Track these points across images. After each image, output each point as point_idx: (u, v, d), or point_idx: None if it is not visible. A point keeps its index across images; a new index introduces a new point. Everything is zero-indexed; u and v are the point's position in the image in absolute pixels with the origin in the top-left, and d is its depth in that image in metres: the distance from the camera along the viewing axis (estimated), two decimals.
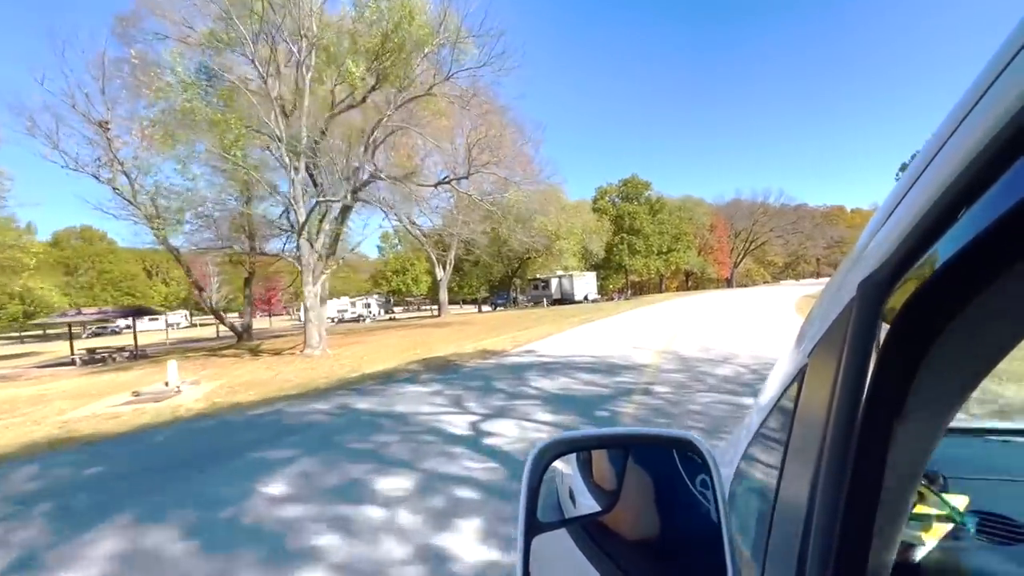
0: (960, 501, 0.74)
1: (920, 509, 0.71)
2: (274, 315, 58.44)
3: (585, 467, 0.79)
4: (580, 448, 0.70)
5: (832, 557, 0.45)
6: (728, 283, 71.97)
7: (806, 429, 0.54)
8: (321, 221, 17.06)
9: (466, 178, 21.77)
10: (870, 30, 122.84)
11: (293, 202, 14.95)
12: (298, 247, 15.45)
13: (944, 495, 0.73)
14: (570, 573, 0.69)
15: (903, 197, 0.41)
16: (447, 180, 22.23)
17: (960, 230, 0.33)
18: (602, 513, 0.71)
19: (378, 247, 60.60)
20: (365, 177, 17.55)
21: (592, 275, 43.44)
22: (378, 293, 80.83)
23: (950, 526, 0.70)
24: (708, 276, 64.94)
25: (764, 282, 70.81)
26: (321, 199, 14.94)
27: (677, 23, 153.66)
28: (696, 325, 15.83)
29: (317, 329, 15.44)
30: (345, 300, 60.76)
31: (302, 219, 15.04)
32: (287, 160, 14.54)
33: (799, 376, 0.59)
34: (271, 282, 53.20)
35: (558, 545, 0.68)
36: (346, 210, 20.63)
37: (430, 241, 32.93)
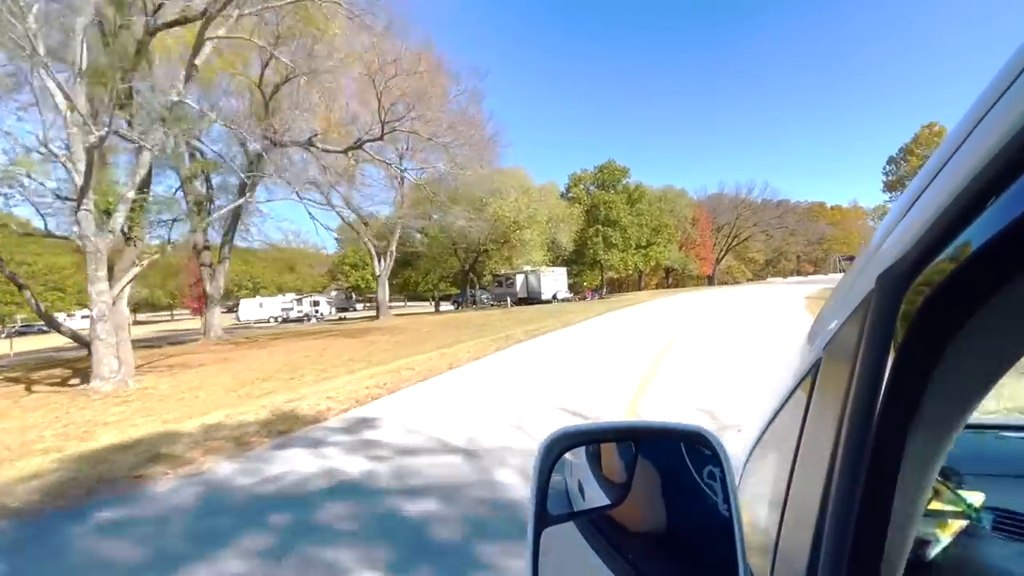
0: (976, 497, 0.73)
1: (935, 505, 0.70)
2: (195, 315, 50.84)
3: (594, 460, 0.77)
4: (589, 441, 0.71)
5: (846, 552, 0.45)
6: (710, 281, 68.10)
7: (820, 423, 0.54)
8: (143, 188, 11.57)
9: (381, 139, 16.59)
10: (856, 28, 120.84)
11: (52, 149, 9.41)
12: (77, 222, 9.93)
13: (960, 491, 0.73)
14: (579, 566, 0.68)
15: (927, 187, 0.41)
16: (359, 144, 17.01)
17: (986, 222, 0.33)
18: (611, 506, 0.70)
19: (336, 239, 54.29)
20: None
21: (562, 271, 38.50)
22: (337, 289, 74.75)
23: (965, 522, 0.70)
24: (689, 273, 60.80)
25: (747, 280, 66.88)
26: (97, 141, 9.30)
27: (660, 17, 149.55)
28: (690, 344, 10.75)
29: (114, 351, 9.92)
30: (291, 297, 54.69)
31: (78, 179, 9.53)
32: (43, 75, 9.01)
33: (813, 370, 0.59)
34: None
35: (567, 538, 0.66)
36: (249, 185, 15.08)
37: (370, 230, 27.47)
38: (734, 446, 0.82)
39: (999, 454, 0.99)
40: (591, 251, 42.07)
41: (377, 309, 29.38)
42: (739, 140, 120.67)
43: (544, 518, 0.61)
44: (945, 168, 0.38)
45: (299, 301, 51.92)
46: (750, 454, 0.88)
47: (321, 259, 59.93)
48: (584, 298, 39.13)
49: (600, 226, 42.77)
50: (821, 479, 0.49)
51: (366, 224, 26.80)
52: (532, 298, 37.48)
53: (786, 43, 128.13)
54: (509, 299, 37.08)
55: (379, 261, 28.16)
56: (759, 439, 0.83)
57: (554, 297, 36.87)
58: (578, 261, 43.96)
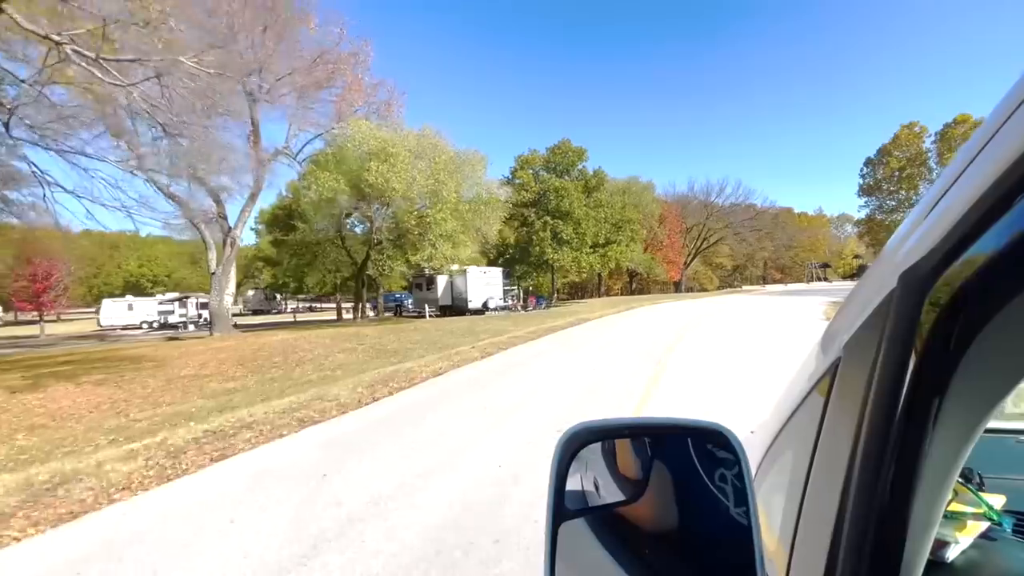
0: (997, 500, 0.73)
1: (955, 507, 0.70)
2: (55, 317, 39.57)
3: (610, 456, 0.75)
4: (607, 437, 0.71)
5: (865, 552, 0.45)
6: (677, 287, 61.60)
7: (839, 423, 0.54)
8: None
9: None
10: (832, 28, 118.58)
11: None
12: None
13: (980, 493, 0.73)
14: (594, 561, 0.68)
15: (951, 185, 0.40)
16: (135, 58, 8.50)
17: (1011, 221, 0.32)
18: (626, 502, 0.70)
19: (252, 229, 43.88)
20: None
21: (496, 273, 30.30)
22: (255, 288, 64.46)
23: (985, 524, 0.70)
24: (655, 277, 53.92)
25: (717, 288, 60.52)
26: None
27: (634, 9, 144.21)
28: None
29: None
30: (171, 296, 44.40)
31: None
32: None
33: (832, 369, 0.59)
34: (32, 267, 36.08)
35: (582, 533, 0.67)
36: None
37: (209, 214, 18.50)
38: (750, 447, 0.80)
39: (1021, 457, 0.97)
40: (537, 248, 34.17)
41: (211, 322, 20.33)
42: (710, 139, 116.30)
43: (561, 513, 0.61)
44: (970, 167, 0.38)
45: (182, 302, 41.84)
46: (766, 454, 0.88)
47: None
48: (525, 307, 31.08)
49: (549, 218, 34.93)
50: (839, 480, 0.49)
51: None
52: (458, 306, 29.13)
53: (758, 41, 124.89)
54: (428, 307, 28.66)
55: (213, 251, 19.22)
56: (775, 439, 0.83)
57: (484, 306, 28.65)
58: (523, 260, 35.98)
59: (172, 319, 40.86)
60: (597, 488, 0.74)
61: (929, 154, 62.43)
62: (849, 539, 0.47)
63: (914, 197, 64.81)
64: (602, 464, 0.75)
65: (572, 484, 0.66)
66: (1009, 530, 0.71)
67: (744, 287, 58.88)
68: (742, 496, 0.58)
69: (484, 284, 29.06)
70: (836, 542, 0.49)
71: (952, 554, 0.66)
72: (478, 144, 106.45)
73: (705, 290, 65.60)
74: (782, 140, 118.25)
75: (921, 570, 0.46)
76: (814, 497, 0.58)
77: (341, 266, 22.56)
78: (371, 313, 31.96)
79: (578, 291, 58.28)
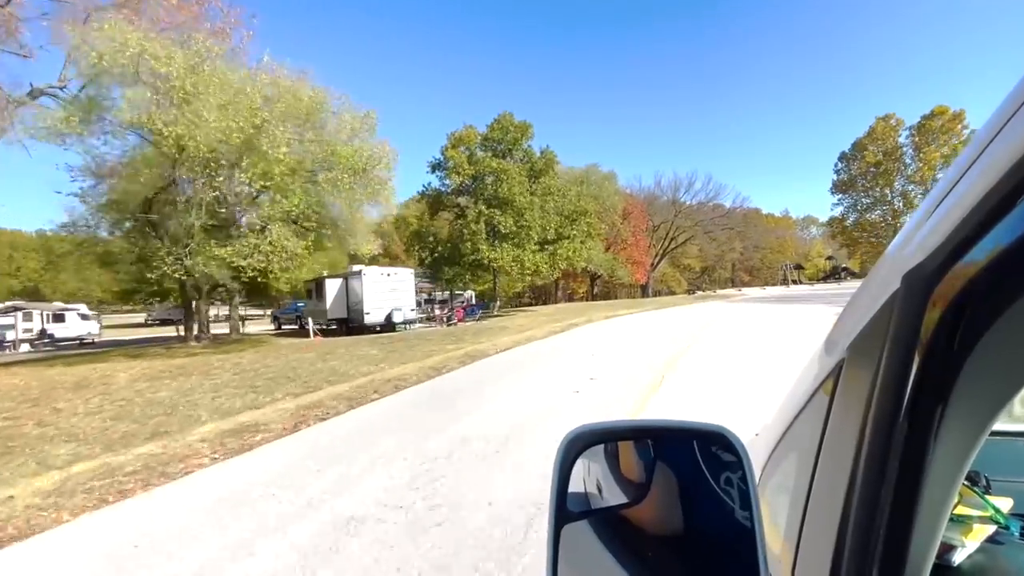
0: (1004, 503, 0.72)
1: (961, 510, 0.69)
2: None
3: (612, 458, 0.77)
4: (609, 439, 0.71)
5: (869, 556, 0.45)
6: (644, 291, 55.86)
7: (843, 425, 0.53)
8: None
9: None
10: (802, 25, 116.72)
11: None
12: None
13: (987, 496, 0.72)
14: (597, 563, 0.68)
15: (955, 184, 0.40)
16: None
17: (1016, 220, 0.32)
18: (629, 504, 0.71)
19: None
20: None
21: (406, 274, 23.07)
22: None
23: (992, 528, 0.69)
24: (618, 279, 47.90)
25: (687, 292, 54.89)
26: None
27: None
28: None
29: None
30: (8, 304, 35.31)
31: None
32: None
33: (836, 370, 0.58)
34: None
35: (585, 535, 0.67)
36: None
37: None
38: (753, 448, 0.79)
39: None
40: (468, 244, 27.19)
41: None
42: (677, 136, 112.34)
43: (564, 515, 0.61)
44: (974, 166, 0.37)
45: (27, 315, 32.79)
46: (769, 457, 0.87)
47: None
48: (450, 320, 24.00)
49: (485, 207, 28.01)
50: (844, 482, 0.49)
51: None
52: (354, 320, 21.79)
53: (722, 36, 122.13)
54: (312, 322, 21.22)
55: None
56: (779, 441, 0.83)
57: (389, 320, 21.43)
58: (455, 260, 28.92)
59: (10, 335, 31.80)
60: (600, 490, 0.75)
61: (904, 149, 59.30)
62: (853, 542, 0.46)
63: (890, 194, 61.76)
64: (605, 466, 0.75)
65: (576, 486, 0.64)
66: (1017, 534, 0.70)
67: (718, 291, 53.20)
68: (745, 498, 0.57)
69: (388, 290, 21.81)
70: (840, 545, 0.48)
71: (959, 558, 0.65)
72: (419, 135, 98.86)
73: (673, 293, 60.05)
74: (747, 140, 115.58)
75: (927, 574, 0.45)
76: (818, 499, 0.58)
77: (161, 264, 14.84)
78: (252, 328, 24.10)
79: (542, 295, 51.73)
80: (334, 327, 22.56)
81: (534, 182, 30.49)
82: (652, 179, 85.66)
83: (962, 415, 0.40)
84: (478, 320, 25.78)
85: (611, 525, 0.69)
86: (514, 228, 27.53)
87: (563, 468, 0.61)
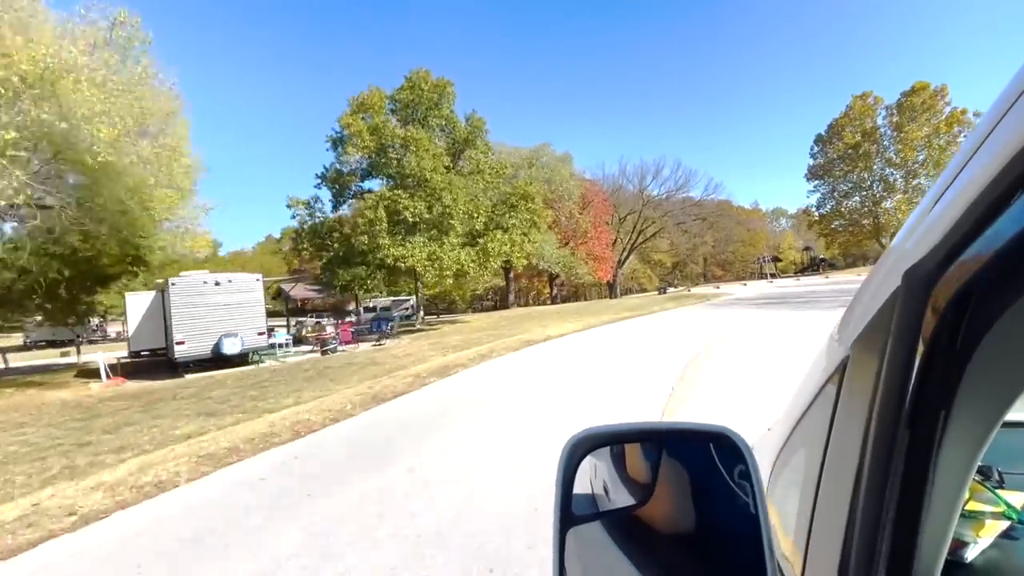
0: (1017, 498, 0.71)
1: (973, 506, 0.68)
2: None
3: (618, 460, 0.77)
4: (613, 442, 0.71)
5: (878, 554, 0.44)
6: (611, 290, 49.96)
7: (849, 423, 0.53)
8: None
9: None
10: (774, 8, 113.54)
11: None
12: None
13: (999, 491, 0.71)
14: (604, 565, 0.69)
15: (953, 180, 0.40)
16: None
17: (1014, 215, 0.32)
18: (636, 506, 0.71)
19: None
20: None
21: (248, 280, 15.87)
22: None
23: (1006, 524, 0.68)
24: (577, 277, 41.72)
25: (657, 291, 49.09)
26: None
27: None
28: None
29: None
30: None
31: None
32: None
33: (840, 368, 0.58)
34: None
35: (593, 537, 0.68)
36: None
37: None
38: (762, 446, 0.79)
39: None
40: (364, 238, 20.32)
41: None
42: (640, 124, 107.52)
43: (569, 518, 0.61)
44: (972, 161, 0.37)
45: None
46: (778, 454, 0.87)
47: None
48: (326, 347, 16.93)
49: (388, 190, 21.19)
50: (851, 479, 0.48)
51: None
52: (163, 352, 14.61)
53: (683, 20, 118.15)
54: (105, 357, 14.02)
55: None
56: (787, 439, 0.83)
57: (216, 351, 14.38)
58: (351, 260, 21.93)
59: None
60: (607, 492, 0.75)
61: (883, 130, 55.31)
62: (862, 539, 0.46)
63: (869, 178, 57.77)
64: (611, 468, 0.75)
65: (583, 488, 0.64)
66: None
67: (693, 289, 47.13)
68: (752, 497, 0.57)
69: (216, 307, 14.70)
70: (849, 542, 0.48)
71: (971, 554, 0.64)
72: None
73: (645, 291, 54.26)
74: (716, 133, 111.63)
75: (939, 571, 0.45)
76: (827, 497, 0.58)
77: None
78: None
79: (525, 296, 45.10)
80: (161, 358, 15.38)
81: (457, 157, 23.78)
82: (617, 166, 79.66)
83: (970, 411, 0.40)
84: (378, 343, 18.95)
85: (620, 526, 0.69)
86: (427, 216, 20.74)
87: (566, 472, 0.60)
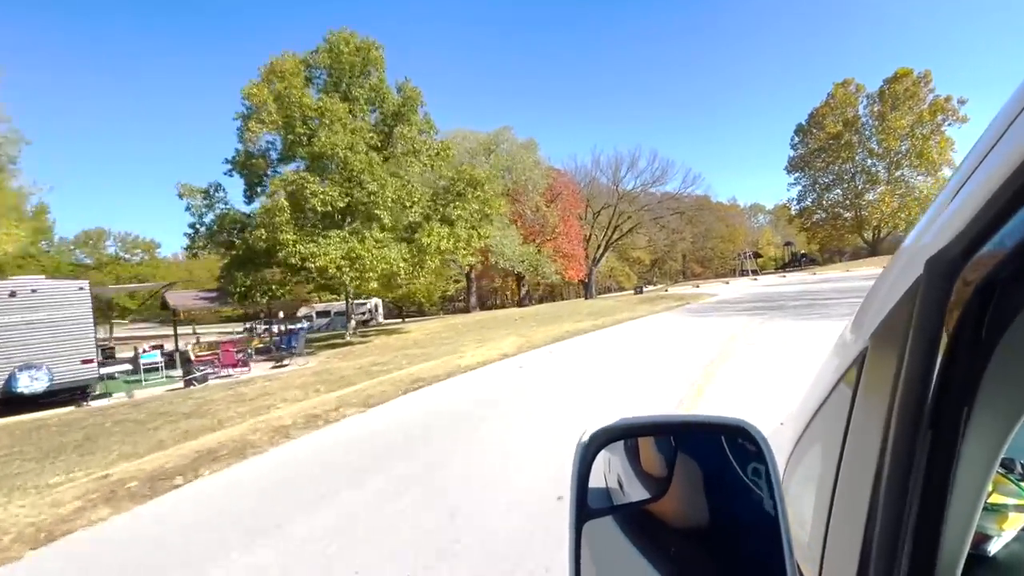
0: None
1: (996, 499, 0.67)
2: None
3: (633, 454, 0.76)
4: (629, 435, 0.70)
5: (899, 548, 0.44)
6: (586, 290, 46.55)
7: (868, 415, 0.53)
8: None
9: None
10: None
11: None
12: None
13: (1023, 484, 0.70)
14: (619, 559, 0.68)
15: (976, 167, 0.39)
16: None
17: None
18: (651, 500, 0.70)
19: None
20: None
21: (60, 288, 11.53)
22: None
23: None
24: (544, 277, 38.23)
25: (635, 291, 45.83)
26: None
27: None
28: None
29: None
30: None
31: None
32: None
33: (859, 360, 0.58)
34: None
35: (607, 531, 0.67)
36: None
37: None
38: (775, 441, 0.77)
39: None
40: (262, 232, 16.29)
41: None
42: (614, 119, 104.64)
43: (584, 512, 0.61)
44: (996, 147, 0.36)
45: None
46: (794, 448, 0.86)
47: None
48: (192, 377, 12.86)
49: (294, 172, 17.20)
50: (870, 473, 0.48)
51: None
52: None
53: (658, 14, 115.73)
54: None
55: None
56: (803, 432, 0.82)
57: (7, 388, 10.31)
58: (252, 261, 17.80)
59: None
60: (621, 486, 0.74)
61: (864, 120, 53.16)
62: (883, 534, 0.45)
63: (851, 168, 55.58)
64: (625, 462, 0.75)
65: (596, 482, 0.65)
66: None
67: (670, 288, 43.32)
68: (769, 491, 0.57)
69: (19, 327, 10.52)
70: (869, 537, 0.47)
71: (994, 548, 0.64)
72: None
73: (623, 290, 50.89)
74: (694, 132, 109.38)
75: (961, 564, 0.45)
76: (845, 491, 0.57)
77: None
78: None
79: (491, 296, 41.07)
80: None
81: (387, 137, 19.87)
82: (590, 157, 75.50)
83: (994, 404, 0.39)
84: (279, 364, 14.95)
85: (634, 520, 0.69)
86: (340, 205, 16.76)
87: (581, 466, 0.60)
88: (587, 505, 0.61)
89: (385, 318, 42.78)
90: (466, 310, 37.33)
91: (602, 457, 0.63)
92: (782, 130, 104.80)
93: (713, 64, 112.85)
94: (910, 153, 47.98)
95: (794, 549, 0.53)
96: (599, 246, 48.09)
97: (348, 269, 16.72)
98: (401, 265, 17.87)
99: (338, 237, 16.95)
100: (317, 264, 16.49)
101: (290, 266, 17.29)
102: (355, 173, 17.02)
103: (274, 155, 20.17)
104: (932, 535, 0.42)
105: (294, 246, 16.15)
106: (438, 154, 20.30)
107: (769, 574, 0.53)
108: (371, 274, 17.20)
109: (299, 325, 23.84)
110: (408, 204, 18.68)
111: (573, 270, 38.43)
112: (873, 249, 51.91)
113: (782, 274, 46.29)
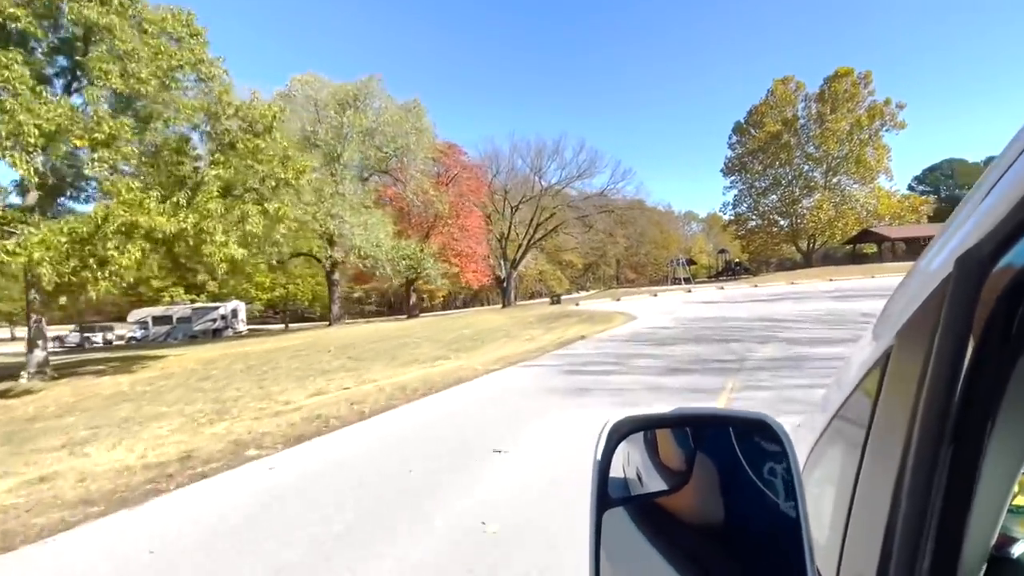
0: None
1: (1020, 500, 0.66)
2: None
3: (652, 447, 0.77)
4: (649, 427, 0.71)
5: (922, 548, 0.43)
6: (503, 297, 39.37)
7: (892, 415, 0.52)
8: None
9: None
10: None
11: None
12: None
13: None
14: (636, 547, 0.69)
15: (1012, 164, 0.39)
16: None
17: None
18: (668, 492, 0.71)
19: None
20: None
21: None
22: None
23: None
24: (428, 281, 30.62)
25: (551, 299, 39.07)
26: None
27: None
28: None
29: None
30: None
31: None
32: None
33: (884, 359, 0.57)
34: None
35: (625, 521, 0.68)
36: None
37: None
38: (796, 437, 0.78)
39: None
40: None
41: None
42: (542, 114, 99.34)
43: (605, 501, 0.62)
44: None
45: None
46: (814, 446, 0.86)
47: None
48: None
49: None
50: (892, 474, 0.47)
51: None
52: None
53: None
54: None
55: None
56: (824, 431, 0.81)
57: None
58: None
59: None
60: (639, 477, 0.75)
61: (802, 121, 50.21)
62: (904, 534, 0.45)
63: (789, 172, 52.48)
64: (644, 454, 0.75)
65: (615, 472, 0.65)
66: None
67: (586, 303, 35.40)
68: (790, 488, 0.56)
69: None
70: (890, 537, 0.47)
71: (1018, 550, 0.63)
72: None
73: (556, 294, 43.66)
74: (627, 132, 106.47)
75: (983, 567, 0.44)
76: (866, 490, 0.57)
77: None
78: None
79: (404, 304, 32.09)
80: None
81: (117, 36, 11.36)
82: (508, 142, 65.83)
83: (1021, 404, 0.38)
84: None
85: (650, 512, 0.69)
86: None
87: (603, 456, 0.60)
88: (608, 494, 0.60)
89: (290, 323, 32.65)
90: (376, 314, 28.81)
91: (622, 448, 0.62)
92: (720, 138, 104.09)
93: (643, 60, 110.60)
94: (848, 158, 45.04)
95: (814, 547, 0.52)
96: (520, 246, 41.03)
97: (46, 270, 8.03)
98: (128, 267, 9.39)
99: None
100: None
101: None
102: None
103: None
104: (954, 539, 0.41)
105: None
106: (171, 56, 11.79)
107: (787, 573, 0.52)
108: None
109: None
110: (107, 159, 10.20)
111: (472, 273, 30.95)
112: (807, 260, 48.81)
113: (719, 284, 41.04)
